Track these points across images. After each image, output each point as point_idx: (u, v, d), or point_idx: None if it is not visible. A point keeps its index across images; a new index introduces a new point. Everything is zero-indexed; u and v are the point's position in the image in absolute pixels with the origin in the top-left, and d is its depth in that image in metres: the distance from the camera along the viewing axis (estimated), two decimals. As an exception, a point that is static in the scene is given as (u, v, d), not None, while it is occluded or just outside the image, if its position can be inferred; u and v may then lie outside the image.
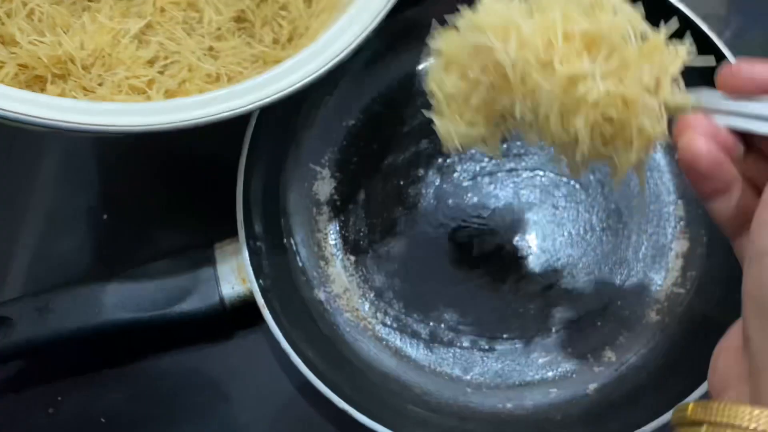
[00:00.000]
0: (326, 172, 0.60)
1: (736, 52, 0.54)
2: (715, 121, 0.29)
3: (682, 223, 0.58)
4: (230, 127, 0.62)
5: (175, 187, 0.63)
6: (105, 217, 0.62)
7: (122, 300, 0.51)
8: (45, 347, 0.52)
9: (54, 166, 0.65)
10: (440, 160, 0.60)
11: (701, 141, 0.28)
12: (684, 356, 0.53)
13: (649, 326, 0.56)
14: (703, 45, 0.54)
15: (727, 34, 0.64)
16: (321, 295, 0.57)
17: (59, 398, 0.58)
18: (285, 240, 0.58)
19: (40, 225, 0.63)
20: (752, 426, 0.24)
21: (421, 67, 0.62)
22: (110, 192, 0.64)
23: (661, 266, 0.57)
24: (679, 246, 0.57)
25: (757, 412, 0.24)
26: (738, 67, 0.29)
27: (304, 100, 0.60)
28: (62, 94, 0.45)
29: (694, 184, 0.30)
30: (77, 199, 0.64)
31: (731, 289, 0.52)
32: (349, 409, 0.48)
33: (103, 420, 0.57)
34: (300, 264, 0.58)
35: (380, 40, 0.59)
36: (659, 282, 0.57)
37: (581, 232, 0.58)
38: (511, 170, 0.59)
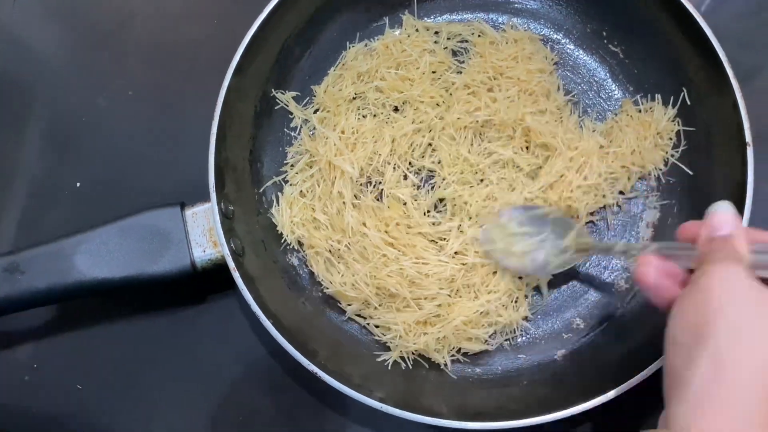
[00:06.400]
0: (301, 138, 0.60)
1: (712, 24, 0.53)
2: (663, 259, 0.42)
3: (654, 193, 0.58)
4: (201, 91, 0.62)
5: (148, 154, 0.63)
6: (78, 185, 0.62)
7: (93, 260, 0.51)
8: (15, 308, 0.51)
9: (32, 136, 0.64)
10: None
11: (648, 269, 0.42)
12: (651, 324, 0.53)
13: (618, 294, 0.56)
14: (682, 17, 0.55)
15: (706, 5, 0.64)
16: (294, 260, 0.57)
17: (35, 365, 0.58)
18: (258, 204, 0.58)
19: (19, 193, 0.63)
20: None
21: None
22: (84, 158, 0.63)
23: (631, 235, 0.58)
24: (649, 216, 0.58)
25: None
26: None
27: (281, 61, 0.59)
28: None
29: (645, 291, 0.43)
30: (50, 166, 0.63)
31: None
32: (318, 372, 0.49)
33: (79, 386, 0.57)
34: (273, 229, 0.57)
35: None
36: (629, 251, 0.57)
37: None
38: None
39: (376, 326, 0.55)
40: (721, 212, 0.40)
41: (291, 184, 0.58)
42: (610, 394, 0.48)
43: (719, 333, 0.34)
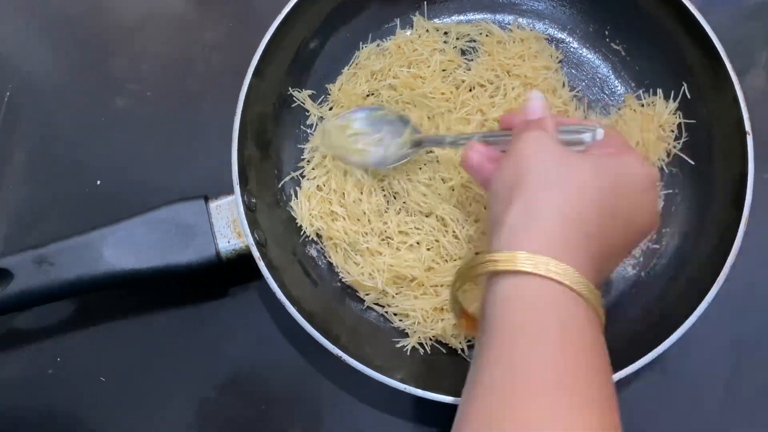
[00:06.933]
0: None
1: (707, 16, 0.56)
2: (486, 145, 0.49)
3: (658, 183, 0.60)
4: (218, 91, 0.64)
5: (167, 151, 0.65)
6: (98, 183, 0.64)
7: (121, 251, 0.53)
8: (44, 299, 0.53)
9: (50, 137, 0.66)
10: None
11: (472, 153, 0.48)
12: (659, 309, 0.56)
13: (626, 281, 0.58)
14: (681, 14, 0.57)
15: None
16: (313, 252, 0.59)
17: (58, 359, 0.59)
18: (278, 197, 0.60)
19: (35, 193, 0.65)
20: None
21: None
22: (103, 157, 0.65)
23: (637, 224, 0.60)
24: (654, 205, 0.60)
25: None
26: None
27: (297, 62, 0.62)
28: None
29: (472, 175, 0.50)
30: (70, 164, 0.65)
31: (702, 243, 0.55)
32: (342, 355, 0.50)
33: (102, 379, 0.59)
34: (292, 221, 0.59)
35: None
36: (636, 239, 0.59)
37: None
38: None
39: (395, 314, 0.57)
40: (534, 101, 0.47)
41: (308, 179, 0.60)
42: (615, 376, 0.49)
43: (530, 181, 0.41)
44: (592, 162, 0.41)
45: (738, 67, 0.56)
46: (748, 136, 0.53)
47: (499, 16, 0.65)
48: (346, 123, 0.58)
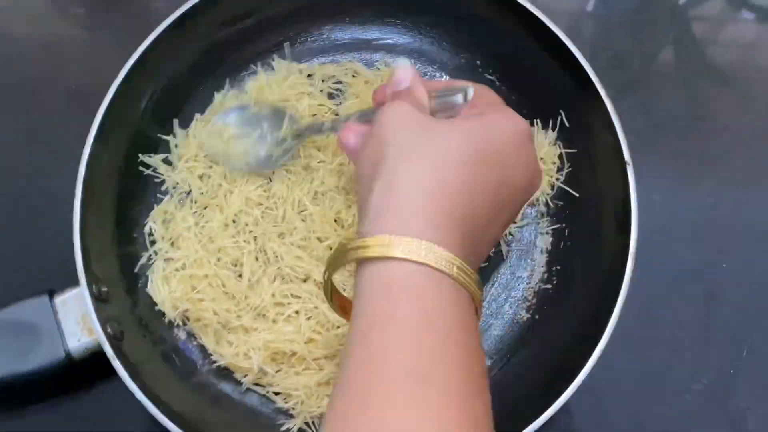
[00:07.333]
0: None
1: (575, 36, 0.54)
2: (362, 124, 0.46)
3: (545, 219, 0.58)
4: (66, 162, 0.58)
5: (8, 240, 0.58)
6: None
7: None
8: None
9: None
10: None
11: (348, 133, 0.45)
12: (556, 352, 0.53)
13: (521, 325, 0.56)
14: (549, 41, 0.54)
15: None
16: (181, 334, 0.54)
17: None
18: (134, 281, 0.54)
19: None
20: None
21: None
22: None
23: (527, 263, 0.57)
24: (543, 242, 0.57)
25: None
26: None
27: (145, 124, 0.56)
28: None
29: (350, 157, 0.47)
30: None
31: (593, 277, 0.53)
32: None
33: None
34: (154, 305, 0.53)
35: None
36: (527, 280, 0.57)
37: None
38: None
39: (276, 393, 0.52)
40: (401, 70, 0.44)
41: (164, 259, 0.54)
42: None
43: (390, 156, 0.38)
44: (455, 128, 0.39)
45: (616, 83, 0.54)
46: (628, 166, 0.51)
47: (365, 55, 0.61)
48: (221, 127, 0.55)
